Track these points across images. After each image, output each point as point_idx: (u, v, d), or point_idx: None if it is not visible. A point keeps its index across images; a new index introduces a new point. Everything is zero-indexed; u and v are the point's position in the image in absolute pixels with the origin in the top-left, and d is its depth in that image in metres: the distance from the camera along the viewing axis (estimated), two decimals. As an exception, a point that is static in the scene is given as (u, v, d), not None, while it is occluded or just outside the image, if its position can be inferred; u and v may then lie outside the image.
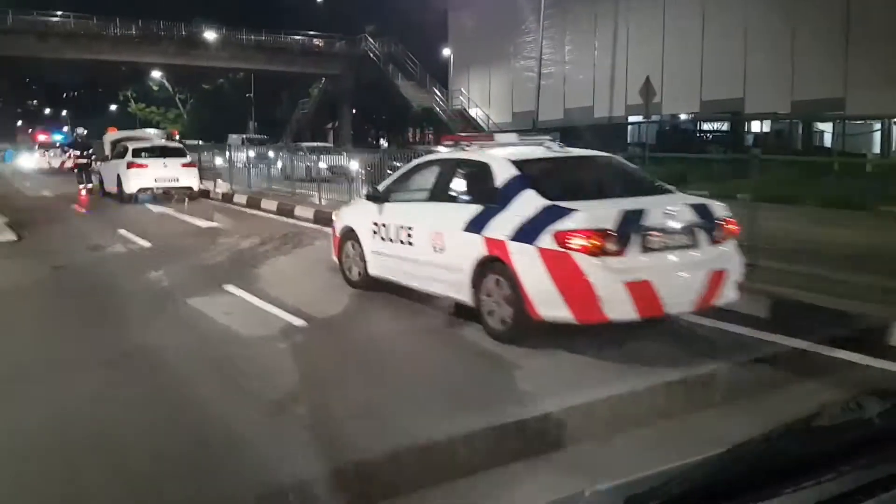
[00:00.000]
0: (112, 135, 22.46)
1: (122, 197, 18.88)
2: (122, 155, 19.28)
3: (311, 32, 48.01)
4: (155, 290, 8.57)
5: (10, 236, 12.72)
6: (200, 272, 9.42)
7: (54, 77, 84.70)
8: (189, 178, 19.10)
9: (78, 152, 22.08)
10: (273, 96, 63.96)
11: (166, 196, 18.91)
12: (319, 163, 17.89)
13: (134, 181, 18.58)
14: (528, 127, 39.18)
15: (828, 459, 1.16)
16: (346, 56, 47.42)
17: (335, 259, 8.39)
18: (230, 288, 8.01)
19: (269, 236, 12.48)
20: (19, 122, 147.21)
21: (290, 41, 46.42)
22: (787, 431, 1.25)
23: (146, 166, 18.67)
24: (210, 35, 43.66)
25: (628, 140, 35.83)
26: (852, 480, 1.13)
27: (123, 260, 10.63)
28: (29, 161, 39.33)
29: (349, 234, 8.03)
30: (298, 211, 15.70)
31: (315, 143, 24.81)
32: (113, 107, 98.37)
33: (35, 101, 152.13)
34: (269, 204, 17.16)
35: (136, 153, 18.93)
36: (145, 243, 11.75)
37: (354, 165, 16.94)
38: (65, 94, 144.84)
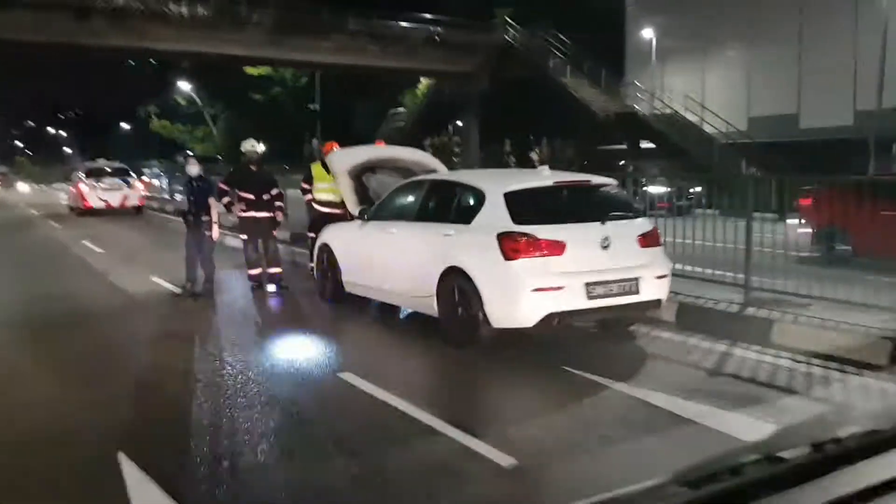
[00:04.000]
0: (348, 154, 9.59)
1: (472, 331, 6.40)
2: (447, 211, 6.83)
3: (428, 16, 35.55)
4: None
5: None
6: None
7: (64, 86, 73.08)
8: (655, 279, 6.53)
9: (251, 196, 9.51)
10: (343, 107, 51.92)
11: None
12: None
13: (533, 295, 6.05)
14: (778, 137, 27.08)
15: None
16: (481, 47, 35.06)
17: None
18: None
19: None
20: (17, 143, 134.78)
21: (412, 29, 34.03)
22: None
23: (562, 248, 6.11)
24: (309, 19, 31.25)
25: None
26: None
27: None
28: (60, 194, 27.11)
29: None
30: None
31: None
32: (126, 125, 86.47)
33: (32, 123, 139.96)
34: None
35: (527, 209, 6.36)
36: None
37: None
38: (62, 115, 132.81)
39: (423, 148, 36.28)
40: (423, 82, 44.29)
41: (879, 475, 1.17)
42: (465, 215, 6.74)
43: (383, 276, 7.59)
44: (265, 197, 9.64)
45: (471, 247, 6.49)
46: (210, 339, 7.44)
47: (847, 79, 26.13)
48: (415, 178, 8.08)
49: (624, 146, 32.14)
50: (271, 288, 9.51)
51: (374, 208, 8.12)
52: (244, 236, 9.77)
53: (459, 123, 40.08)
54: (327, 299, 8.77)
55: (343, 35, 32.12)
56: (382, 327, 7.55)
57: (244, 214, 9.64)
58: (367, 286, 8.00)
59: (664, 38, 32.25)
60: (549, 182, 6.67)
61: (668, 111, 29.91)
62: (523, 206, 6.39)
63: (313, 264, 10.32)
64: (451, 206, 7.03)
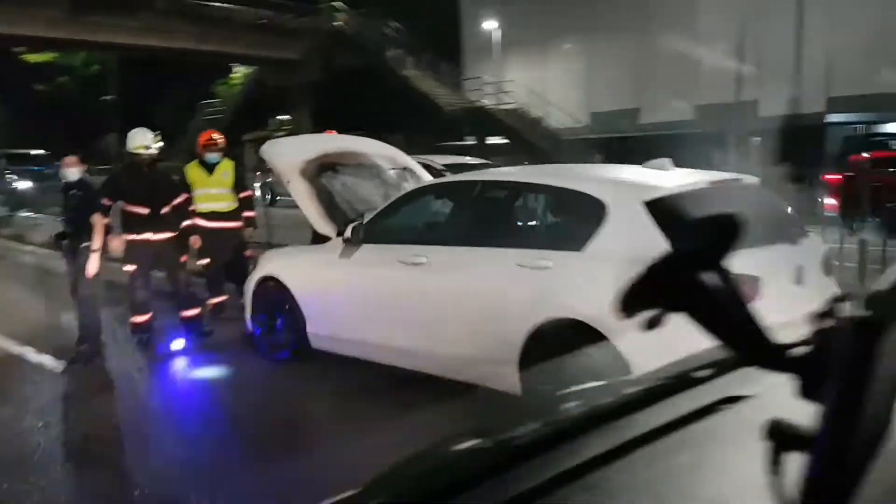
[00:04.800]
0: (292, 147, 6.61)
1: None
2: (529, 229, 4.53)
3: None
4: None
5: None
6: None
7: None
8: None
9: (144, 210, 6.44)
10: (144, 97, 46.52)
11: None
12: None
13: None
14: (616, 131, 26.91)
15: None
16: (310, 33, 32.17)
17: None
18: None
19: None
20: None
21: (233, 9, 30.45)
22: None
23: (757, 286, 3.90)
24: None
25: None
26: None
27: None
28: None
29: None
30: None
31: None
32: None
33: None
34: None
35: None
36: None
37: None
38: None
39: (240, 143, 32.64)
40: (239, 71, 40.39)
41: (599, 447, 1.13)
42: (570, 236, 4.36)
43: (407, 331, 4.97)
44: (164, 211, 6.57)
45: (598, 287, 4.11)
46: (123, 456, 4.44)
47: (687, 74, 26.24)
48: (445, 180, 5.56)
49: (470, 142, 30.67)
50: (177, 345, 6.47)
51: (367, 225, 5.43)
52: (131, 267, 6.62)
53: (287, 116, 36.72)
54: (275, 358, 5.98)
55: (153, 14, 27.86)
56: (411, 410, 4.87)
57: (134, 237, 6.51)
58: (368, 344, 5.31)
59: (503, 29, 31.15)
60: (702, 182, 4.42)
61: (513, 106, 28.84)
62: (679, 221, 4.11)
63: (216, 301, 7.56)
64: (535, 221, 4.60)
